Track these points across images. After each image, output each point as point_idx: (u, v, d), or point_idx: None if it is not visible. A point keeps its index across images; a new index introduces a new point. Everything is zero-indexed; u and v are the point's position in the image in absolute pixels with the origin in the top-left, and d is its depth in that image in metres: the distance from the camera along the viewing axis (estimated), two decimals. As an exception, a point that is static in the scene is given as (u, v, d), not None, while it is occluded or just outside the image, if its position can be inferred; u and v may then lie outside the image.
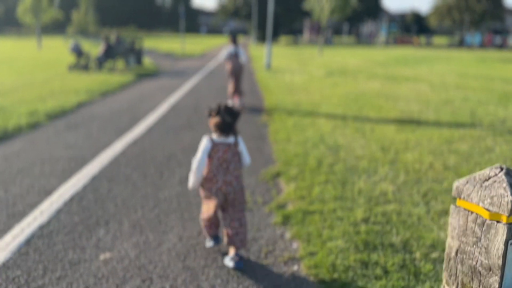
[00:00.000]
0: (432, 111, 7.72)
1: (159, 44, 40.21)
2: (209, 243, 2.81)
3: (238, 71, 7.94)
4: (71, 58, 18.11)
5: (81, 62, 14.86)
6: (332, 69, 16.22)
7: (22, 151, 5.06)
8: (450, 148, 5.33)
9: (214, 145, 2.58)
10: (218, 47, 37.23)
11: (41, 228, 3.09)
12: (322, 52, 28.44)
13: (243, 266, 2.63)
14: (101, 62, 14.93)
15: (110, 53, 15.14)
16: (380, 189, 3.90)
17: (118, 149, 5.17)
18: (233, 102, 7.95)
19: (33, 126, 6.38)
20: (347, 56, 25.78)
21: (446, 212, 3.44)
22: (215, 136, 2.62)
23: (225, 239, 2.72)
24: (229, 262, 2.63)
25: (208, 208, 2.67)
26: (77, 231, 3.06)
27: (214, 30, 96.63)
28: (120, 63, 16.67)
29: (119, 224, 3.18)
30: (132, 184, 4.01)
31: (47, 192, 3.75)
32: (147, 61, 19.54)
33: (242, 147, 2.67)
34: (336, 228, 3.10)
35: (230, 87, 8.05)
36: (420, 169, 4.51)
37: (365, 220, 3.24)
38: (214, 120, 2.57)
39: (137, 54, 17.21)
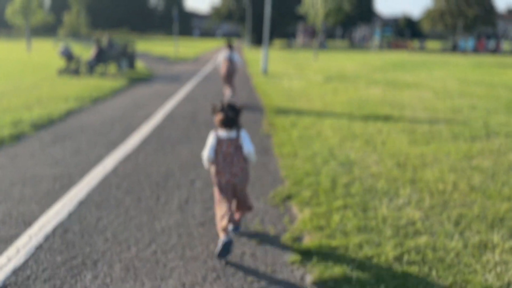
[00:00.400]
0: (443, 121, 7.32)
1: (152, 47, 39.67)
2: (219, 242, 2.86)
3: (231, 73, 8.89)
4: (61, 62, 17.55)
5: (71, 66, 14.30)
6: (330, 74, 15.84)
7: (2, 169, 4.55)
8: (471, 164, 4.92)
9: (219, 141, 2.86)
10: (212, 51, 36.77)
11: (15, 272, 2.59)
12: (317, 56, 28.13)
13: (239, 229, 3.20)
14: (92, 66, 14.39)
15: (101, 57, 14.60)
16: (407, 217, 3.46)
17: (109, 166, 4.68)
18: (226, 93, 9.26)
19: (17, 138, 5.86)
20: (342, 60, 25.47)
21: (485, 246, 3.01)
22: (220, 131, 2.87)
23: (236, 216, 3.10)
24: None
25: (218, 196, 2.92)
26: (59, 276, 2.57)
27: (207, 33, 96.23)
28: (112, 67, 16.13)
29: (109, 266, 2.69)
30: (124, 211, 3.52)
31: (26, 223, 3.26)
32: (140, 65, 19.03)
33: (244, 139, 2.90)
34: (367, 270, 2.64)
35: (224, 83, 9.18)
36: (445, 190, 4.08)
37: (398, 259, 2.79)
38: (218, 117, 2.83)
39: (129, 58, 16.69)
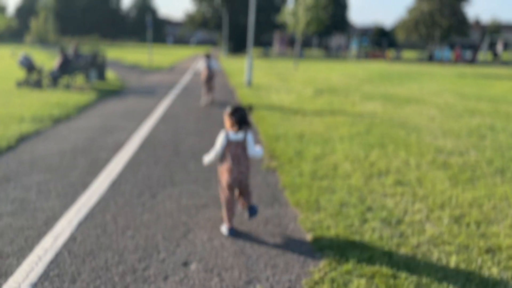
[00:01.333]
0: (471, 148, 6.26)
1: (124, 55, 37.84)
2: (225, 230, 3.31)
3: (210, 78, 10.36)
4: (22, 72, 15.83)
5: (32, 77, 12.66)
6: (319, 87, 14.77)
7: None
8: (544, 216, 3.81)
9: (229, 143, 3.14)
10: (188, 59, 35.31)
11: None
12: (297, 65, 27.15)
13: (256, 210, 3.39)
14: (55, 78, 12.78)
15: (66, 67, 13.02)
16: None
17: (63, 237, 3.26)
18: (207, 98, 10.45)
19: None
20: (323, 70, 24.57)
21: None
22: (231, 132, 3.14)
23: (241, 206, 3.46)
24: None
25: (225, 192, 3.26)
26: None
27: (181, 41, 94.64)
28: (79, 79, 14.54)
29: None
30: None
31: None
32: (111, 75, 17.47)
33: (249, 141, 3.18)
34: None
35: (204, 89, 10.53)
36: (542, 268, 2.92)
37: None
38: (230, 120, 3.13)
39: (99, 68, 15.15)
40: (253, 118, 8.59)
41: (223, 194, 3.29)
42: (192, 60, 32.77)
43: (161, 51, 50.21)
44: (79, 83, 13.91)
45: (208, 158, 3.25)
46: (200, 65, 10.54)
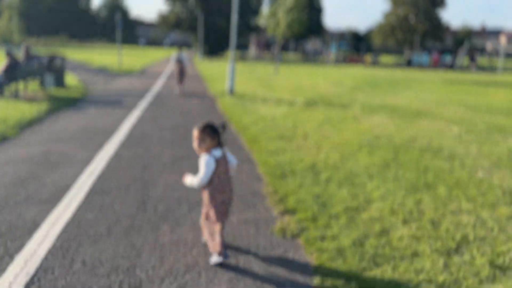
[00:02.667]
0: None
1: (92, 56, 35.30)
2: (218, 259, 2.85)
3: (182, 71, 12.22)
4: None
5: (-31, 84, 10.50)
6: (308, 96, 13.17)
7: None
8: None
9: (217, 163, 2.84)
10: (161, 61, 33.15)
11: None
12: (278, 70, 25.49)
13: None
14: (1, 84, 10.64)
15: (13, 72, 10.88)
16: None
17: None
18: (179, 88, 12.39)
19: None
20: (306, 76, 23.05)
21: None
22: (214, 152, 2.86)
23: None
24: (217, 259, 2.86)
25: (218, 215, 2.88)
26: None
27: (154, 42, 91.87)
28: (32, 85, 12.40)
29: None
30: None
31: None
32: (72, 80, 15.32)
33: (228, 153, 2.96)
34: None
35: (177, 81, 12.43)
36: None
37: None
38: (208, 138, 2.84)
39: (57, 73, 13.04)
40: (244, 140, 6.84)
41: (215, 216, 2.90)
42: (165, 63, 30.66)
43: (132, 52, 47.71)
44: (31, 91, 11.79)
45: (192, 183, 2.90)
46: (172, 58, 12.41)
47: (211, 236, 2.92)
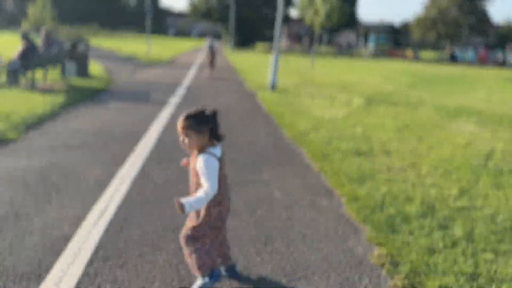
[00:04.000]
0: None
1: (122, 45, 34.22)
2: (204, 279, 2.26)
3: (213, 56, 13.96)
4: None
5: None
6: (362, 93, 11.35)
7: None
8: None
9: (220, 162, 2.17)
10: (190, 51, 31.72)
11: None
12: (314, 63, 23.51)
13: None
14: (15, 72, 9.31)
15: (31, 59, 9.52)
16: None
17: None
18: (209, 72, 13.91)
19: None
20: (345, 69, 21.09)
21: None
22: (214, 150, 2.15)
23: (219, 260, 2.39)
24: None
25: (213, 236, 2.28)
26: None
27: (182, 33, 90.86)
28: (52, 74, 11.08)
29: None
30: None
31: None
32: (97, 69, 13.94)
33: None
34: None
35: (208, 65, 14.10)
36: None
37: None
38: (206, 130, 2.13)
39: (79, 61, 11.68)
40: (307, 154, 5.17)
41: (206, 233, 2.24)
42: (195, 53, 29.20)
43: (161, 42, 46.53)
44: (50, 81, 10.45)
45: (196, 203, 2.04)
46: (206, 45, 13.75)
47: (195, 253, 2.24)
